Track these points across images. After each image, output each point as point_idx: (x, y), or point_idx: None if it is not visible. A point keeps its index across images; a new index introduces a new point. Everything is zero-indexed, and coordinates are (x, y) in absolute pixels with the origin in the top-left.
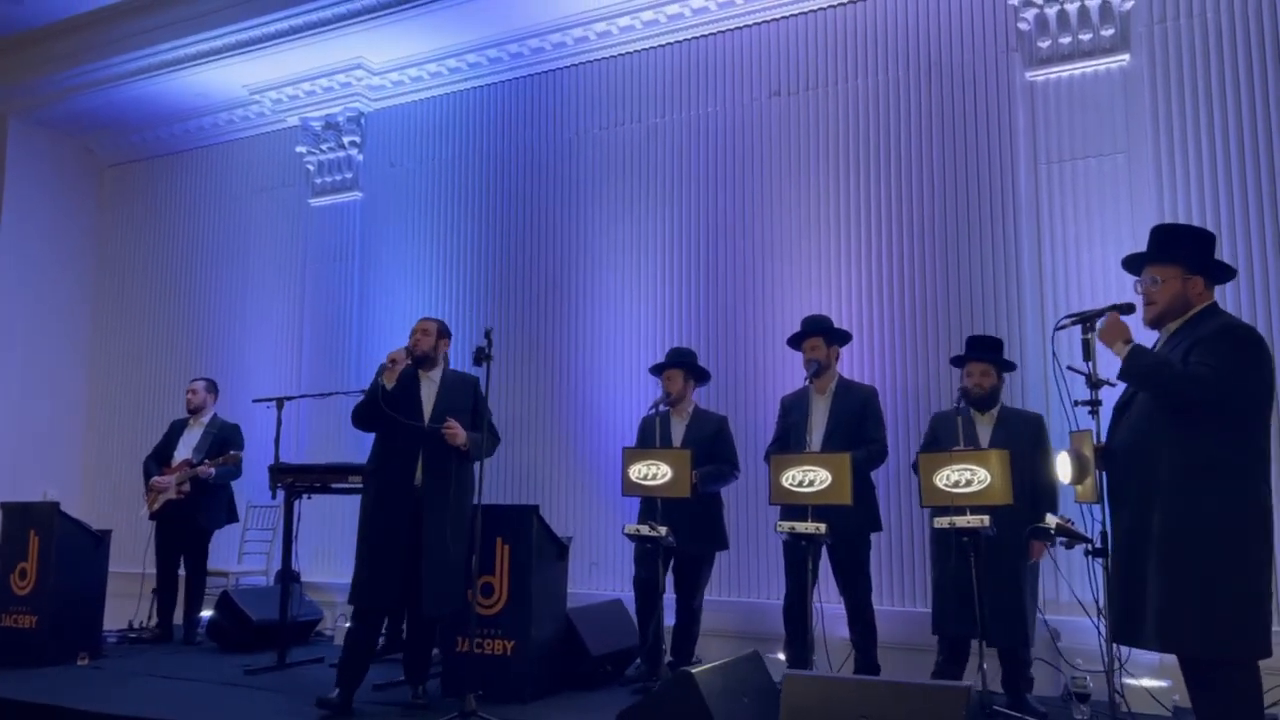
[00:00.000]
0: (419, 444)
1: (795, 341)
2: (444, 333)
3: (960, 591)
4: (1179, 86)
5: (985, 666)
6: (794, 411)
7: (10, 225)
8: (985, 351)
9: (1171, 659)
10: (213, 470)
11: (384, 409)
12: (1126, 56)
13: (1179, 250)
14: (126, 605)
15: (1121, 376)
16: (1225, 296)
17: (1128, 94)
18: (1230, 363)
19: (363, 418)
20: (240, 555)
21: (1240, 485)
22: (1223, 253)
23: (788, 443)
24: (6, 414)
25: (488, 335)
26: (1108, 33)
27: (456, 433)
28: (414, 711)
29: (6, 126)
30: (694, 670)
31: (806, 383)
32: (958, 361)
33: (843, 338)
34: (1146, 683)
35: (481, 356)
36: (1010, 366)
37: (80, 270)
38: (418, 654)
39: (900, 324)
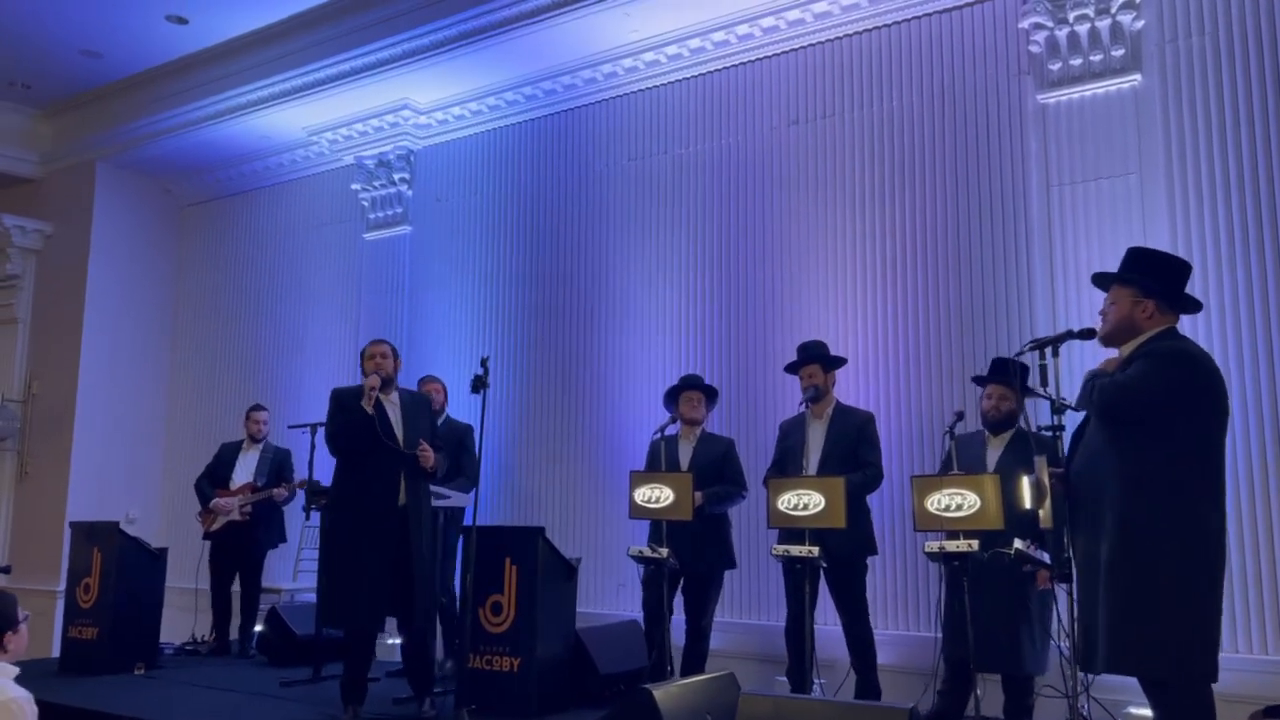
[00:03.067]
0: (400, 466)
1: (793, 369)
2: (397, 354)
3: (956, 616)
4: (1191, 105)
5: (980, 693)
6: (791, 436)
7: (98, 261)
8: (1001, 374)
9: None
10: (286, 494)
11: (379, 435)
12: (1138, 76)
13: (1135, 273)
14: (187, 618)
15: (1077, 404)
16: (1240, 322)
17: (1139, 114)
18: (1145, 376)
19: (350, 442)
20: (295, 573)
21: (1176, 504)
22: (1236, 275)
23: (785, 467)
24: (94, 438)
25: (484, 364)
26: (1118, 53)
27: (429, 455)
28: None
29: (94, 171)
30: (654, 687)
31: (801, 408)
32: (981, 381)
33: (838, 363)
34: (1149, 711)
35: (479, 385)
36: (1032, 392)
37: (161, 302)
38: (420, 667)
39: (914, 347)
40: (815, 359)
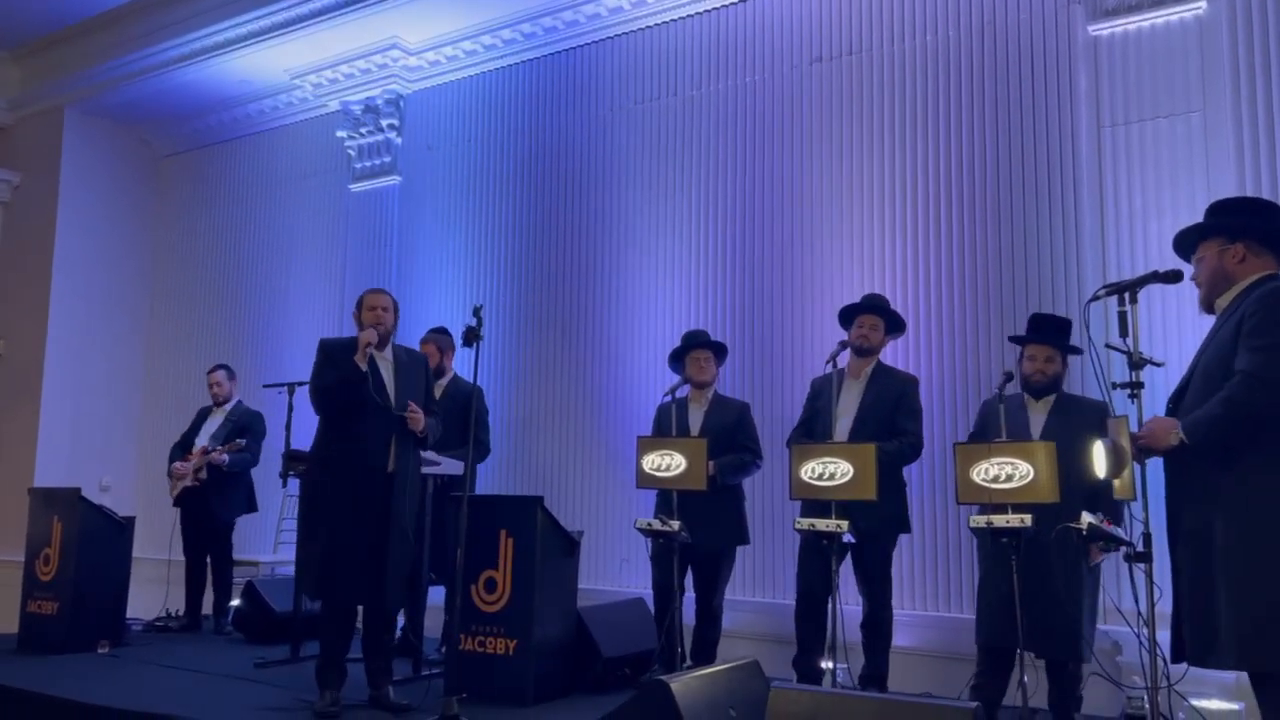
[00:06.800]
0: (391, 429)
1: (848, 315)
2: (398, 308)
3: (1000, 597)
4: (1263, 36)
5: (1026, 679)
6: (822, 395)
7: (68, 213)
8: (1049, 334)
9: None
10: (225, 457)
11: (370, 394)
12: (1203, 4)
13: (1215, 220)
14: (159, 592)
15: (1195, 454)
16: None
17: (1204, 46)
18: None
19: (336, 400)
20: (276, 545)
21: None
22: None
23: (813, 429)
24: (65, 400)
25: (476, 313)
26: None
27: (418, 418)
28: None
29: (63, 118)
30: (671, 679)
31: (828, 367)
32: (1020, 340)
33: (898, 327)
34: (1216, 704)
35: (472, 337)
36: (1076, 351)
37: (137, 257)
38: (381, 653)
39: (949, 305)
40: (878, 310)
